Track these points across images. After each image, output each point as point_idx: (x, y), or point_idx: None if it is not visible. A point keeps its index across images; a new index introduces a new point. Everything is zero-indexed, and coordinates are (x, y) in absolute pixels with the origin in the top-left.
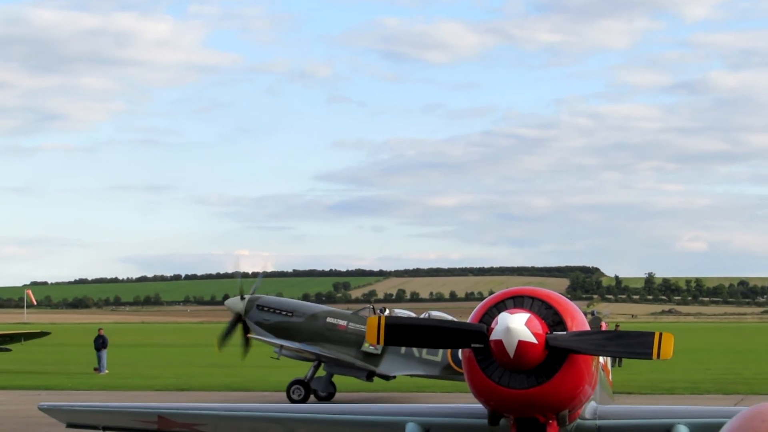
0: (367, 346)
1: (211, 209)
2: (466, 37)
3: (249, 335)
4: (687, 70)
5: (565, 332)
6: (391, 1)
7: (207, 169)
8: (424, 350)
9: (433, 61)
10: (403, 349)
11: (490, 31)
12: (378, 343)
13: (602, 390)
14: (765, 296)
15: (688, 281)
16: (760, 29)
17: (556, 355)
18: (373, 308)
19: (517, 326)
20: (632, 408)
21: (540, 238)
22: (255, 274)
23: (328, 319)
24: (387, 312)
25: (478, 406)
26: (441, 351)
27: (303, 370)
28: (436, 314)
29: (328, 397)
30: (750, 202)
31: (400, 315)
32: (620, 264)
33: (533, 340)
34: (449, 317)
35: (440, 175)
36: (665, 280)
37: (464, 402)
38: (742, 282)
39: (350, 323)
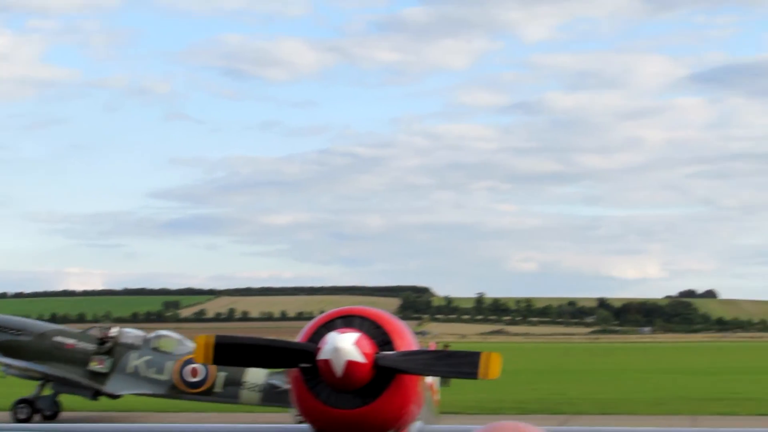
0: (94, 366)
1: (40, 226)
2: (306, 54)
3: None
4: (524, 90)
5: (393, 352)
6: (234, 17)
7: (39, 186)
8: (152, 370)
9: (273, 78)
10: (130, 368)
11: (330, 50)
12: (206, 362)
13: (428, 409)
14: (593, 316)
15: (518, 301)
16: (596, 51)
17: (384, 375)
18: (100, 328)
19: (345, 346)
20: (457, 428)
21: (372, 257)
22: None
23: (56, 338)
24: (116, 330)
25: (304, 426)
26: (167, 370)
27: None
28: (165, 333)
29: (53, 416)
30: (581, 222)
31: (129, 334)
32: (452, 284)
33: (361, 359)
34: (177, 336)
35: (276, 194)
36: (496, 300)
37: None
38: (571, 302)
39: (78, 342)
